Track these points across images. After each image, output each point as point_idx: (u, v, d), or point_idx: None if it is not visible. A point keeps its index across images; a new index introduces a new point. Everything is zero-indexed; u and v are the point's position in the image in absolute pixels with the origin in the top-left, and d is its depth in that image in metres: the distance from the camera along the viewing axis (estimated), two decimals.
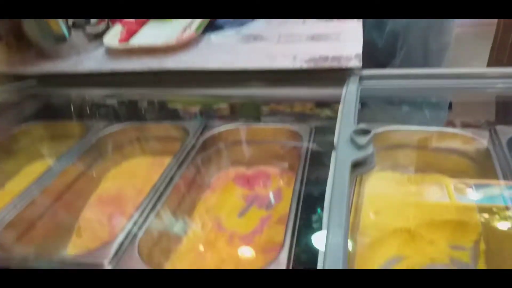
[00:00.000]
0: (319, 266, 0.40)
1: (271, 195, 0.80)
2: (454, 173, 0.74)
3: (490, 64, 2.39)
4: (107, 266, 0.53)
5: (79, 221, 0.75)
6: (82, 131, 0.88)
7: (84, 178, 0.81)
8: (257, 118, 0.95)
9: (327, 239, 0.41)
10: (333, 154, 0.54)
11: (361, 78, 0.80)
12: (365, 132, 0.54)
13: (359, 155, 0.52)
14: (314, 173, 0.68)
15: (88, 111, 0.96)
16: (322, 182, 0.68)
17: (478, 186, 0.72)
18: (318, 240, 0.54)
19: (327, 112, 0.91)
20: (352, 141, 0.54)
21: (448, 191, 0.73)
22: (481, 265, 0.62)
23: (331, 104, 0.90)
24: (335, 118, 0.78)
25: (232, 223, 0.73)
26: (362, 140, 0.53)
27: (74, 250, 0.69)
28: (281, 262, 0.51)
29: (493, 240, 0.63)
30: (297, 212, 0.60)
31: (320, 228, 0.57)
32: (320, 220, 0.59)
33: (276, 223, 0.71)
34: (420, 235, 0.67)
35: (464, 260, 0.63)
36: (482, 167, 0.71)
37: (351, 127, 0.58)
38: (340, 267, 0.39)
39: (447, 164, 0.75)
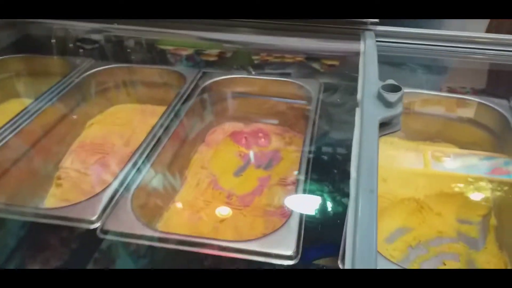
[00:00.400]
0: (345, 239, 0.35)
1: (269, 155, 0.74)
2: (468, 144, 0.70)
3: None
4: (96, 223, 0.47)
5: (59, 170, 0.68)
6: (64, 69, 0.78)
7: (65, 122, 0.73)
8: (257, 69, 0.87)
9: (358, 207, 0.36)
10: (358, 112, 0.48)
11: (377, 35, 0.74)
12: (395, 88, 0.48)
13: (388, 113, 0.47)
14: (325, 133, 0.63)
15: (71, 45, 0.86)
16: (335, 143, 0.63)
17: (490, 159, 0.69)
18: (337, 205, 0.50)
19: (338, 68, 0.84)
20: (380, 98, 0.48)
21: (458, 162, 0.70)
22: (490, 241, 0.59)
23: (343, 59, 0.83)
24: (348, 75, 0.72)
25: (229, 182, 0.67)
26: (392, 97, 0.47)
27: (53, 202, 0.62)
28: (292, 228, 0.46)
29: (507, 216, 0.59)
30: (307, 174, 0.55)
31: (337, 192, 0.53)
32: (333, 184, 0.54)
33: (276, 185, 0.66)
34: (428, 207, 0.64)
35: (472, 235, 0.61)
36: (499, 138, 0.67)
37: (376, 83, 0.52)
38: (373, 248, 0.33)
39: (460, 134, 0.71)
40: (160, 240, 0.45)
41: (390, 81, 0.50)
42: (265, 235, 0.44)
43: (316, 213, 0.51)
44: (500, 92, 0.75)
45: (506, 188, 0.65)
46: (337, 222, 0.43)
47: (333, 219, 0.49)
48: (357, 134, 0.45)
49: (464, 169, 0.69)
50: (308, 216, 0.48)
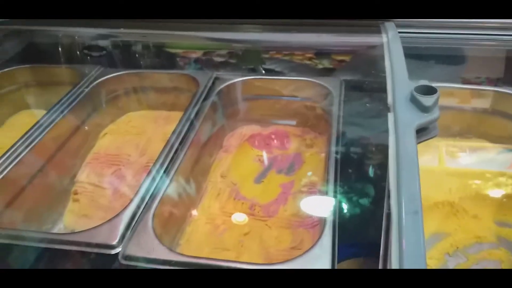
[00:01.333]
0: (390, 256, 0.32)
1: (290, 159, 0.71)
2: (503, 139, 0.66)
3: None
4: (117, 248, 0.44)
5: (75, 184, 0.65)
6: (73, 78, 0.76)
7: (79, 134, 0.70)
8: (272, 68, 0.84)
9: (402, 232, 0.32)
10: (390, 118, 0.45)
11: (397, 26, 0.70)
12: (430, 90, 0.45)
13: (424, 118, 0.43)
14: (351, 133, 0.59)
15: (78, 53, 0.83)
16: (363, 144, 0.59)
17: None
18: (371, 214, 0.46)
19: (358, 63, 0.80)
20: (414, 101, 0.44)
21: (494, 159, 0.66)
22: None
23: (363, 54, 0.79)
24: (369, 70, 0.68)
25: (251, 190, 0.64)
26: (428, 100, 0.43)
27: (71, 218, 0.60)
28: (325, 245, 0.42)
29: None
30: (335, 178, 0.51)
31: (370, 200, 0.49)
32: (365, 191, 0.51)
33: (300, 192, 0.63)
34: (463, 209, 0.60)
35: None
36: None
37: (408, 84, 0.48)
38: (423, 264, 0.30)
39: (495, 129, 0.67)
40: (184, 264, 0.42)
41: (424, 82, 0.46)
42: (297, 257, 0.41)
43: (350, 226, 0.48)
44: None
45: None
46: (373, 235, 0.40)
47: (368, 232, 0.46)
48: (392, 143, 0.41)
49: (501, 165, 0.65)
50: (341, 229, 0.45)
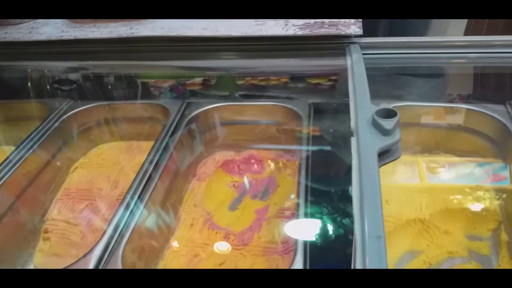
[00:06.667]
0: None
1: (265, 183, 0.71)
2: (468, 153, 0.68)
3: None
4: None
5: (45, 222, 0.64)
6: (42, 112, 0.75)
7: (49, 169, 0.69)
8: (243, 94, 0.84)
9: (365, 256, 0.33)
10: (353, 141, 0.45)
11: (361, 48, 0.71)
12: (390, 113, 0.46)
13: (385, 142, 0.44)
14: (321, 158, 0.60)
15: (48, 87, 0.82)
16: (332, 169, 0.60)
17: (493, 165, 0.66)
18: (343, 237, 0.47)
19: (324, 85, 0.81)
20: (376, 125, 0.45)
21: (453, 171, 0.67)
22: (503, 258, 0.56)
23: (328, 76, 0.81)
24: (337, 93, 0.70)
25: (225, 219, 0.64)
26: (388, 124, 0.44)
27: (41, 259, 0.59)
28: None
29: None
30: (305, 202, 0.52)
31: (341, 222, 0.50)
32: (334, 213, 0.51)
33: (275, 217, 0.63)
34: (434, 225, 0.61)
35: (484, 252, 0.58)
36: (499, 146, 0.65)
37: (369, 107, 0.49)
38: None
39: (460, 144, 0.69)
40: None
41: (384, 105, 0.47)
42: None
43: (321, 250, 0.48)
44: (489, 96, 0.74)
45: (508, 196, 0.62)
46: (344, 259, 0.40)
47: (340, 255, 0.46)
48: (355, 167, 0.42)
49: (468, 179, 0.67)
50: (313, 254, 0.45)
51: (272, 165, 0.74)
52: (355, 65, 0.63)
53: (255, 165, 0.74)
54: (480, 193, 0.64)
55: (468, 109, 0.66)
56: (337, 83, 0.78)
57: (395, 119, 0.45)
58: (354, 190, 0.40)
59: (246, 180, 0.72)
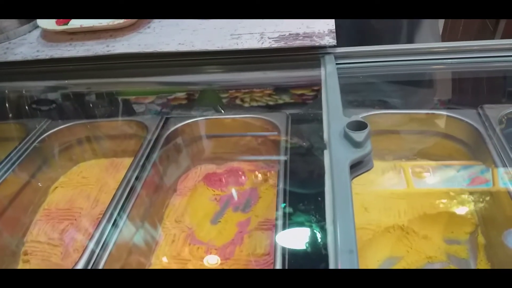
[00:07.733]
0: None
1: (246, 195, 0.71)
2: (444, 158, 0.69)
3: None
4: None
5: (24, 244, 0.63)
6: (20, 133, 0.74)
7: (28, 190, 0.69)
8: (221, 107, 0.85)
9: (338, 261, 0.33)
10: (326, 154, 0.46)
11: (336, 57, 0.72)
12: (361, 125, 0.47)
13: (356, 154, 0.45)
14: (299, 169, 0.60)
15: (26, 108, 0.82)
16: (310, 180, 0.61)
17: (467, 168, 0.68)
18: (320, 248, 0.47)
19: (301, 96, 0.82)
20: (347, 137, 0.46)
21: (437, 176, 0.68)
22: (481, 261, 0.57)
23: (305, 87, 0.82)
24: (315, 103, 0.71)
25: (207, 233, 0.64)
26: (359, 136, 0.45)
27: None
28: None
29: (494, 232, 0.58)
30: (285, 217, 0.52)
31: (320, 237, 0.50)
32: (312, 224, 0.52)
33: (256, 230, 0.63)
34: (413, 231, 0.62)
35: (462, 255, 0.59)
36: (473, 150, 0.66)
37: (342, 119, 0.50)
38: None
39: (436, 149, 0.70)
40: None
41: (355, 118, 0.48)
42: None
43: (298, 262, 0.48)
44: (466, 100, 0.75)
45: (488, 198, 0.63)
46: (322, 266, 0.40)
47: (317, 265, 0.46)
48: (328, 180, 0.43)
49: (445, 183, 0.68)
50: (291, 266, 0.46)
51: (253, 176, 0.74)
52: (328, 77, 0.64)
53: (237, 178, 0.75)
54: (457, 197, 0.65)
55: (440, 115, 0.68)
56: (314, 93, 0.79)
57: (365, 131, 0.46)
58: (327, 204, 0.41)
59: (227, 193, 0.72)
